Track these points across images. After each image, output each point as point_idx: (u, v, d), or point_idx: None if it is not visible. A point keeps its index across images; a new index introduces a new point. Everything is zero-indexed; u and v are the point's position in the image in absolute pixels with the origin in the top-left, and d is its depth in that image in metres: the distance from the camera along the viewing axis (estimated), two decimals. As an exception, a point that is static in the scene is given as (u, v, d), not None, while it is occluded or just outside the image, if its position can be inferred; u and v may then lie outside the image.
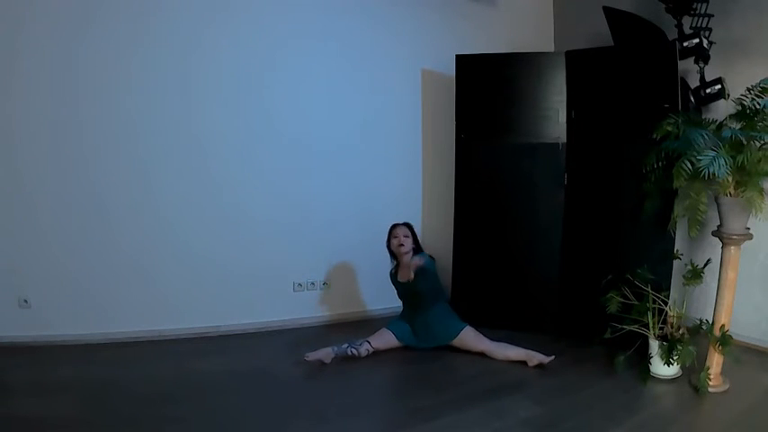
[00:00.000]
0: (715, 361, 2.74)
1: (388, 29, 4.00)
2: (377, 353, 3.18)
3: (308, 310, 3.87)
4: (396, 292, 3.44)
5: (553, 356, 3.03)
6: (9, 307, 3.21)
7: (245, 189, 3.63)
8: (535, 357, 3.04)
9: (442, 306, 3.35)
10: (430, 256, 3.34)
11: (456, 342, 3.24)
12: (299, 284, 3.85)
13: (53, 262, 3.28)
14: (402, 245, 3.32)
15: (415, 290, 3.25)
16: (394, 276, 3.40)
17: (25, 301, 3.25)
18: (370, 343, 3.17)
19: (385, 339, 3.25)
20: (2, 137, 3.14)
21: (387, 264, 3.48)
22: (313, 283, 3.90)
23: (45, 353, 3.14)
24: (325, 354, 3.04)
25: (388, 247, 3.40)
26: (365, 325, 3.76)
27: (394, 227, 3.40)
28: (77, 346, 3.24)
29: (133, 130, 3.36)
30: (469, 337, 3.22)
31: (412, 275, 3.24)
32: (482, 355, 3.16)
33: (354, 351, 3.10)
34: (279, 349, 3.38)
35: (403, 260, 3.35)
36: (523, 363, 3.06)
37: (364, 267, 4.00)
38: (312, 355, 3.00)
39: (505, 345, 3.16)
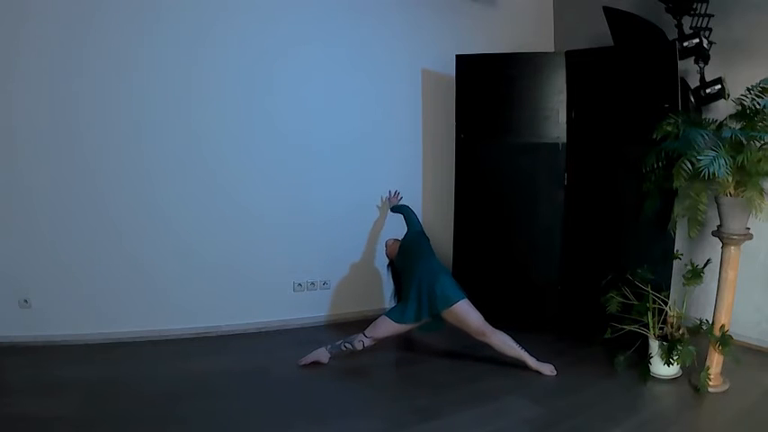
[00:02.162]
0: (715, 361, 2.74)
1: (388, 29, 4.00)
2: (378, 347, 3.12)
3: (308, 310, 3.87)
4: (400, 280, 3.38)
5: (555, 372, 2.95)
6: (9, 307, 3.21)
7: (245, 189, 3.63)
8: (533, 365, 2.96)
9: (438, 263, 3.21)
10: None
11: (452, 315, 3.01)
12: (299, 284, 3.85)
13: (53, 262, 3.28)
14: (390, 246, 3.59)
15: (405, 246, 3.40)
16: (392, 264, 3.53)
17: (25, 301, 3.25)
18: (364, 334, 3.07)
19: (383, 328, 3.08)
20: (2, 137, 3.14)
21: (386, 263, 3.50)
22: (313, 283, 3.89)
23: (45, 353, 3.14)
24: (321, 354, 3.03)
25: (390, 258, 3.58)
26: (365, 325, 3.74)
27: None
28: (77, 346, 3.24)
29: (134, 130, 3.36)
30: (466, 311, 3.00)
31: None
32: (482, 355, 3.14)
33: (349, 346, 3.06)
34: (279, 349, 3.38)
35: (394, 249, 3.54)
36: (523, 363, 3.03)
37: (364, 267, 4.00)
38: (305, 360, 2.99)
39: (508, 338, 3.01)
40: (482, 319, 3.04)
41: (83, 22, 3.18)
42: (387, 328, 3.09)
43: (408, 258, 3.29)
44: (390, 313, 3.15)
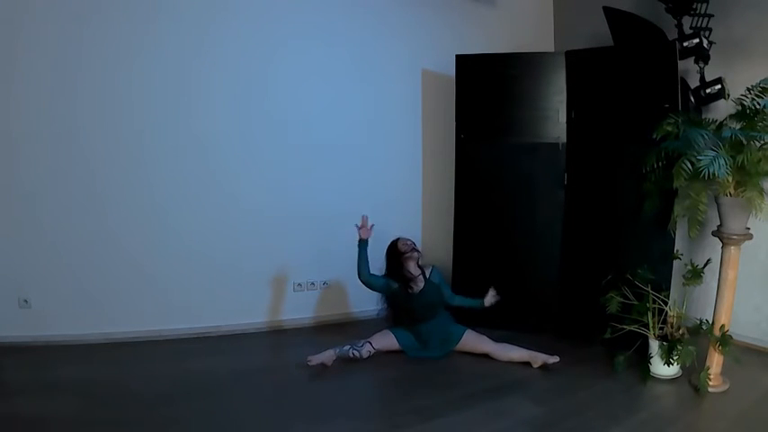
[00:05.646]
0: (715, 361, 2.74)
1: (388, 29, 4.00)
2: (377, 353, 3.16)
3: (308, 310, 3.87)
4: (396, 308, 3.32)
5: (557, 358, 3.01)
6: (9, 307, 3.21)
7: (245, 189, 3.63)
8: (539, 358, 3.03)
9: (444, 314, 3.33)
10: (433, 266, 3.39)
11: (458, 347, 3.24)
12: (299, 284, 3.85)
13: (53, 262, 3.28)
14: (416, 250, 3.33)
15: (427, 299, 3.22)
16: (399, 292, 3.25)
17: (25, 301, 3.25)
18: (371, 344, 3.15)
19: (387, 341, 3.22)
20: (2, 137, 3.14)
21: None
22: (313, 283, 3.89)
23: (45, 353, 3.14)
24: (328, 356, 3.02)
25: (398, 258, 3.27)
26: (365, 325, 3.76)
27: (397, 240, 3.34)
28: (77, 346, 3.24)
29: (134, 130, 3.36)
30: (471, 340, 3.23)
31: (422, 284, 3.24)
32: (485, 356, 3.16)
33: (356, 353, 3.08)
34: (279, 349, 3.38)
35: (413, 268, 3.30)
36: (526, 363, 3.05)
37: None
38: (315, 359, 2.98)
39: (509, 346, 3.16)
40: (481, 336, 3.23)
41: (82, 23, 3.18)
42: (391, 344, 3.23)
43: (423, 310, 3.25)
44: (399, 335, 3.24)
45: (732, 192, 2.67)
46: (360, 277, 3.21)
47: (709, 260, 3.00)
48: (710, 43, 3.32)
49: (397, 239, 3.37)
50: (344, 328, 3.75)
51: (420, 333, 3.25)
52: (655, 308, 2.94)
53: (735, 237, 2.70)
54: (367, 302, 4.01)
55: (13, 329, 3.20)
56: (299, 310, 3.84)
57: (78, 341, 3.27)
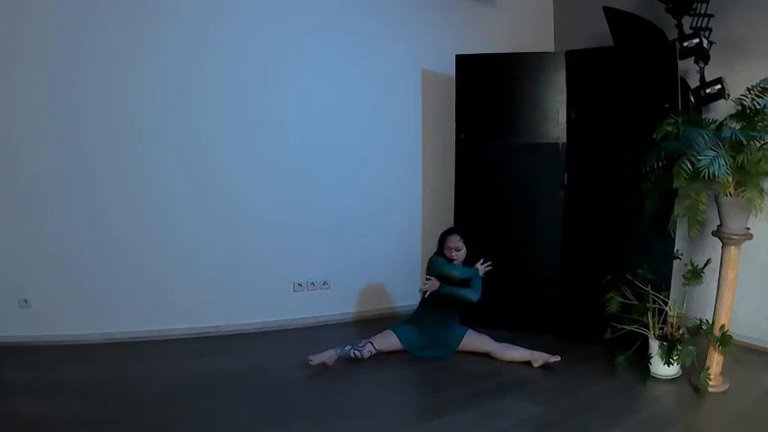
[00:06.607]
0: (715, 361, 2.74)
1: (388, 29, 4.00)
2: (379, 353, 3.15)
3: (307, 310, 3.87)
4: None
5: (558, 357, 3.02)
6: (9, 307, 3.21)
7: (245, 189, 3.63)
8: (540, 358, 3.04)
9: (454, 314, 3.30)
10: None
11: (460, 347, 3.23)
12: (299, 284, 3.85)
13: (53, 262, 3.28)
14: (454, 259, 3.23)
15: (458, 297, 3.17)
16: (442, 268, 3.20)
17: (25, 300, 3.25)
18: (372, 344, 3.14)
19: (389, 342, 3.20)
20: (2, 137, 3.14)
21: (386, 265, 3.46)
22: (313, 283, 3.89)
23: (45, 353, 3.14)
24: (329, 356, 3.02)
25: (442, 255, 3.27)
26: (365, 325, 3.77)
27: (449, 236, 3.29)
28: (77, 346, 3.24)
29: (134, 130, 3.36)
30: (473, 340, 3.23)
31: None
32: (486, 355, 3.16)
33: (357, 353, 3.07)
34: (279, 349, 3.38)
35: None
36: (527, 363, 3.06)
37: (364, 267, 4.00)
38: (316, 359, 2.98)
39: (509, 345, 3.16)
40: (482, 335, 3.24)
41: (82, 23, 3.18)
42: (393, 345, 3.21)
43: (447, 302, 3.21)
44: (402, 335, 3.22)
45: (732, 192, 2.67)
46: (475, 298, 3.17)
47: (709, 260, 3.00)
48: (710, 43, 3.33)
49: (449, 235, 3.29)
50: (345, 328, 3.75)
51: (427, 326, 3.21)
52: (655, 308, 2.94)
53: (735, 237, 2.70)
54: (367, 303, 4.03)
55: (13, 329, 3.20)
56: (299, 309, 3.84)
57: (78, 341, 3.27)
